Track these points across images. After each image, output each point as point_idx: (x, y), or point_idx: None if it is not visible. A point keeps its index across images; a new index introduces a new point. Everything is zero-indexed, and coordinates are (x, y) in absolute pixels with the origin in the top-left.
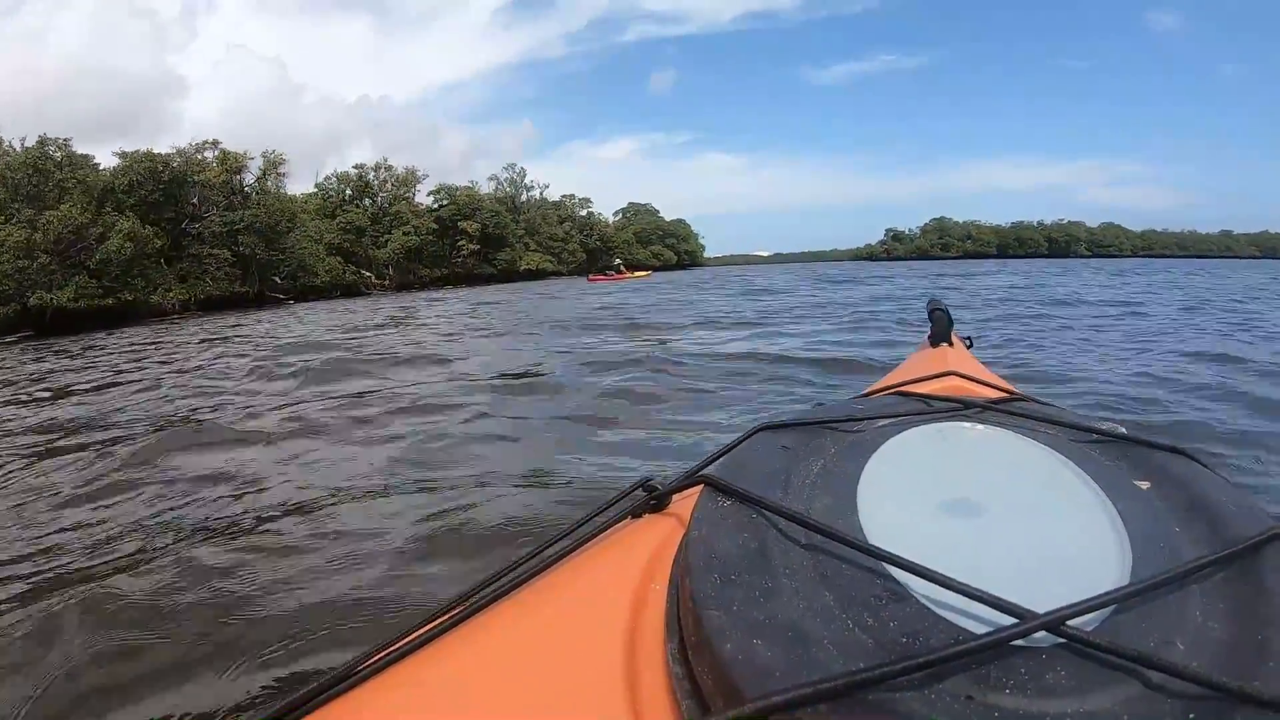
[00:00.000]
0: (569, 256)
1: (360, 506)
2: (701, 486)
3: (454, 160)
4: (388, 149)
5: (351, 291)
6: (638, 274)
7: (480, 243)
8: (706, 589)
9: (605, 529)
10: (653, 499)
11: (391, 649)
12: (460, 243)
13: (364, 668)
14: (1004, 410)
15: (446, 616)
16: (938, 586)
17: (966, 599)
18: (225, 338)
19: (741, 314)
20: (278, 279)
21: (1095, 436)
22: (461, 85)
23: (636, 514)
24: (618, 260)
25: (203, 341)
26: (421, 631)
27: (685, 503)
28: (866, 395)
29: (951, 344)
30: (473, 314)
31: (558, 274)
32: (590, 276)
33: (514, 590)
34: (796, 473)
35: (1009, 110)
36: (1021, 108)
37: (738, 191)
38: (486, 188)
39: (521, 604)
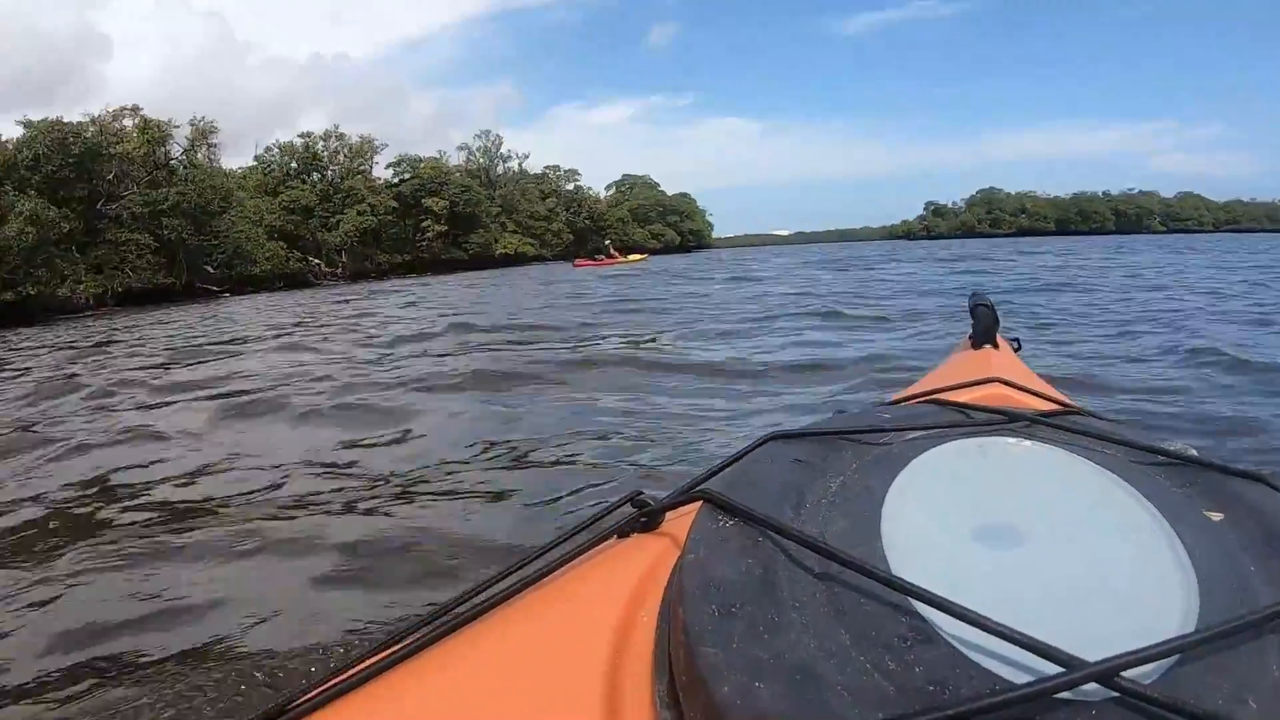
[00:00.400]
0: (553, 238)
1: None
2: (700, 503)
3: (422, 129)
4: (345, 116)
5: (297, 281)
6: (632, 258)
7: (449, 223)
8: (702, 621)
9: (587, 549)
10: (643, 516)
11: (331, 684)
12: (425, 223)
13: (298, 704)
14: (1056, 425)
15: (396, 648)
16: (971, 626)
17: (1005, 642)
18: (114, 341)
19: (721, 318)
20: (209, 268)
21: (1161, 458)
22: (430, 41)
23: (624, 533)
24: (608, 242)
25: (76, 350)
26: (366, 665)
27: (681, 521)
28: (895, 402)
29: (996, 345)
30: (403, 308)
31: (540, 259)
32: (576, 261)
33: (478, 618)
34: (811, 490)
35: (1065, 64)
36: (1080, 60)
37: (752, 161)
38: (456, 158)
39: (486, 635)
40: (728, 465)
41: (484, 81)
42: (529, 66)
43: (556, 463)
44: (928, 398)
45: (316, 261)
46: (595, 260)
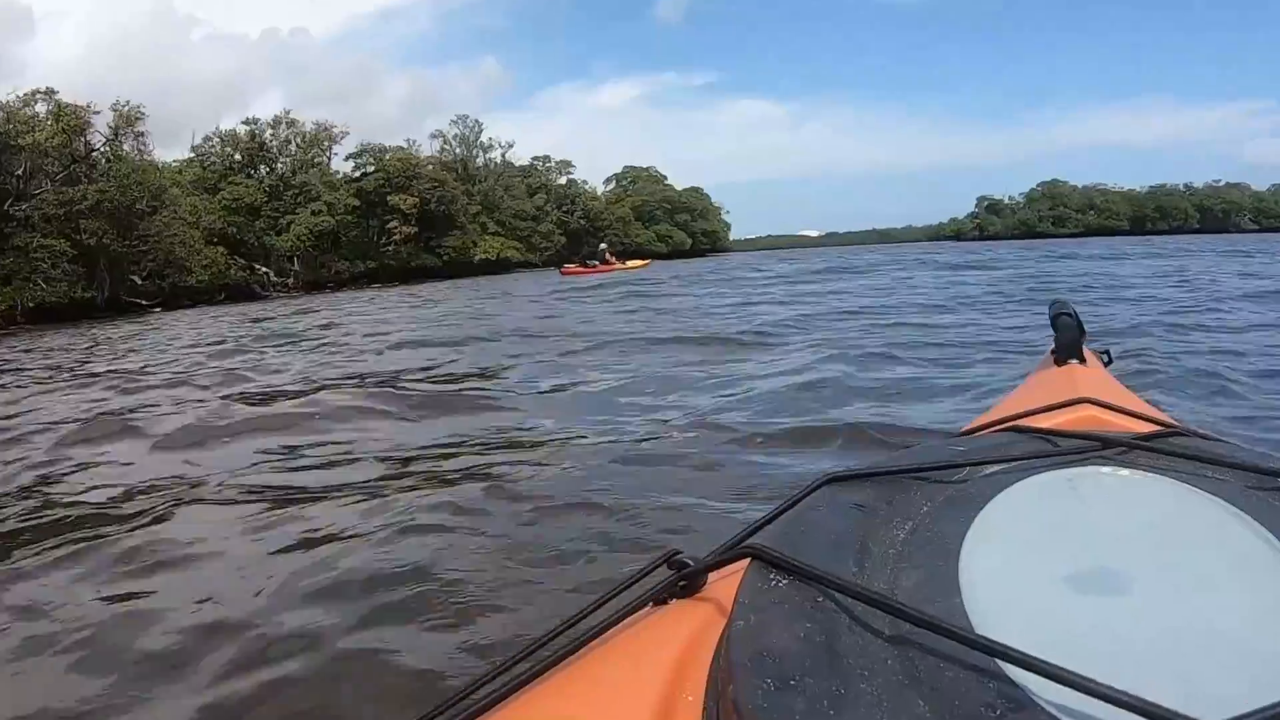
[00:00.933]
0: (542, 241)
1: None
2: (748, 561)
3: (396, 115)
4: (305, 101)
5: (242, 293)
6: (632, 264)
7: (419, 224)
8: (756, 698)
9: (617, 622)
10: (682, 579)
11: None
12: (391, 224)
13: None
14: (1157, 449)
15: None
16: (1071, 690)
17: (1111, 706)
18: None
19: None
20: (137, 279)
21: None
22: (403, 13)
23: (660, 600)
24: (603, 245)
25: None
26: None
27: (726, 583)
28: (970, 432)
29: (1083, 360)
30: (322, 327)
31: (527, 265)
32: (564, 269)
33: (493, 709)
34: (875, 539)
35: (1139, 33)
36: (1157, 28)
37: (777, 151)
38: (429, 148)
39: None
40: (778, 515)
41: (467, 60)
42: (518, 41)
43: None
44: (1007, 425)
45: (264, 270)
46: (587, 267)
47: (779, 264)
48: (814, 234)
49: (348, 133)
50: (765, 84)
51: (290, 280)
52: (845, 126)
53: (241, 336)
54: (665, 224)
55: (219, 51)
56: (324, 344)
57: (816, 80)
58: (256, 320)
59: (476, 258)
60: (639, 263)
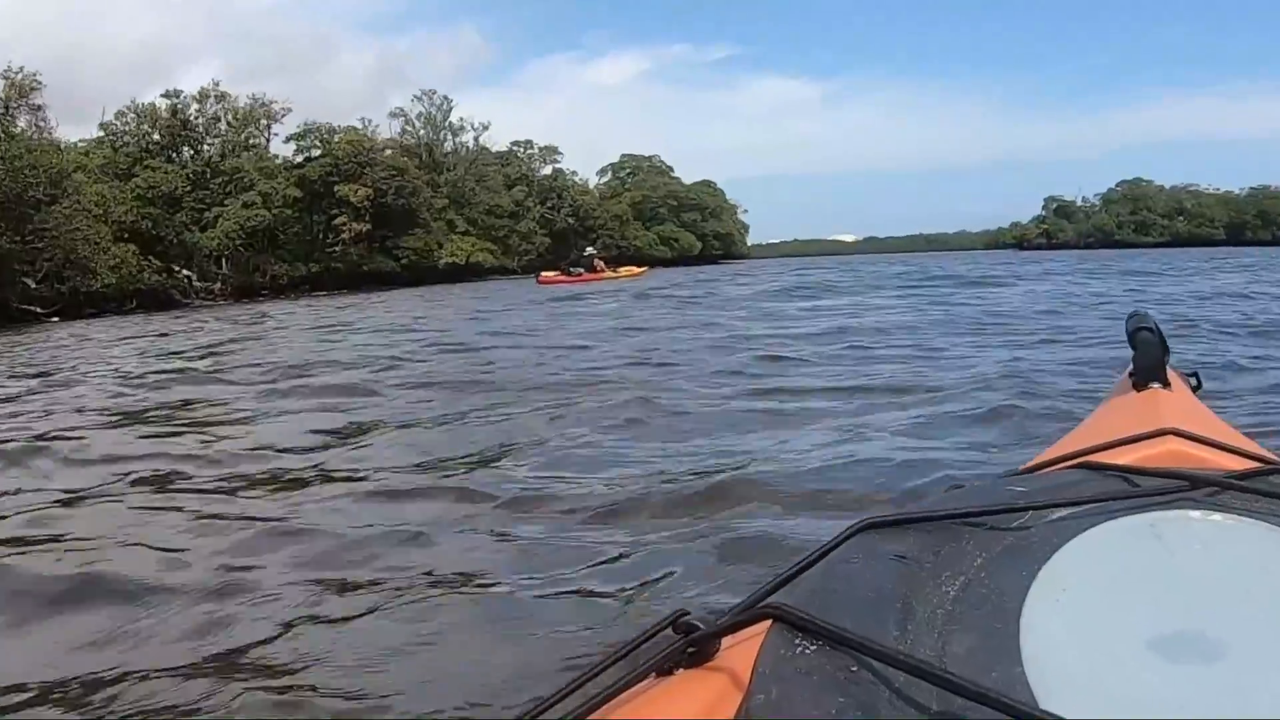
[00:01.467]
0: (520, 241)
1: None
2: (769, 623)
3: (354, 92)
4: (248, 73)
5: (158, 300)
6: (625, 272)
7: (374, 221)
8: None
9: (614, 696)
10: (691, 645)
11: None
12: (339, 220)
13: None
14: (1255, 489)
15: None
16: None
17: None
18: None
19: None
20: (30, 282)
21: None
22: None
23: (665, 669)
24: (590, 250)
25: None
26: None
27: (743, 649)
28: (1033, 470)
29: (1167, 385)
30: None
31: (503, 270)
32: (541, 277)
33: None
34: (921, 597)
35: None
36: None
37: (808, 139)
38: (388, 129)
39: None
40: (804, 568)
41: (441, 27)
42: (501, 6)
43: None
44: (1077, 460)
45: (185, 273)
46: (571, 276)
47: (789, 275)
48: (849, 239)
49: (290, 109)
50: (794, 58)
51: (217, 286)
52: (890, 110)
53: (81, 363)
54: (670, 224)
55: (144, 12)
56: (150, 375)
57: (856, 54)
58: (128, 339)
59: (441, 261)
60: (633, 270)
